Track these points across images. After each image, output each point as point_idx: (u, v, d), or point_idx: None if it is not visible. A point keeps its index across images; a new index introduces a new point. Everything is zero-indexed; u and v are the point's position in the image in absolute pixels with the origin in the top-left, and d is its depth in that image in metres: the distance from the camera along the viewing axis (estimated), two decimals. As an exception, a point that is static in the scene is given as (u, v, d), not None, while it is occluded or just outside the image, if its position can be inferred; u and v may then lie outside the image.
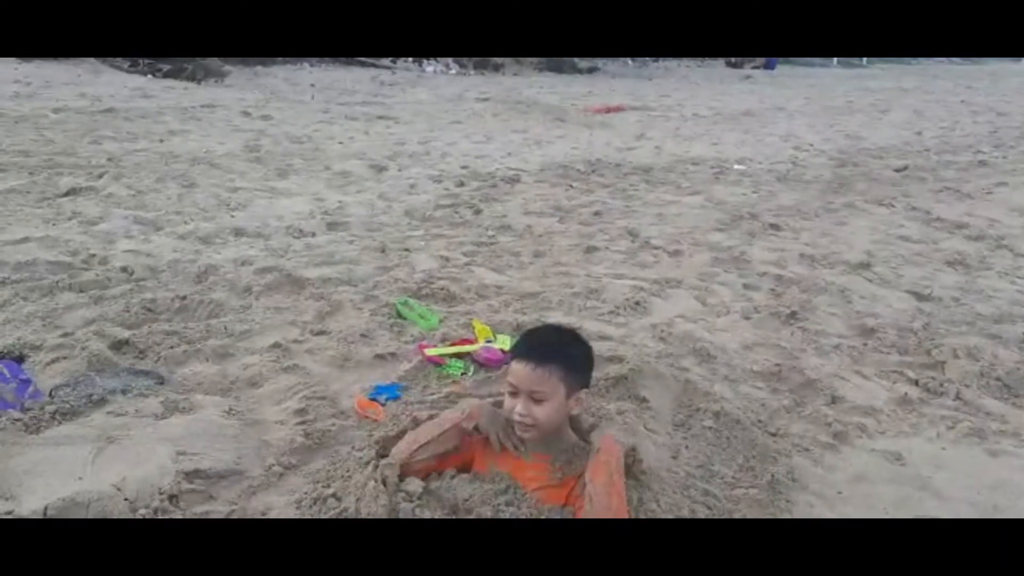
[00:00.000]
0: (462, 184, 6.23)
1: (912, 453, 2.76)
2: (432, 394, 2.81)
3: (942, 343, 3.64)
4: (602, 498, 1.90)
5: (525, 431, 2.04)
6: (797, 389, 3.13)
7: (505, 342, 3.16)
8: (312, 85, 12.36)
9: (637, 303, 3.85)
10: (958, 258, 4.96)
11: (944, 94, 15.12)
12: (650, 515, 2.05)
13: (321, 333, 3.26)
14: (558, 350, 2.05)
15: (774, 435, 2.74)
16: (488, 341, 3.16)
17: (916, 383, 3.29)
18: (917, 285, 4.42)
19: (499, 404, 2.17)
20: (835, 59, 25.04)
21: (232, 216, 4.90)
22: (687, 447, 2.51)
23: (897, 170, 7.57)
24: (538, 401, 2.00)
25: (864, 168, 7.62)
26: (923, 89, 16.26)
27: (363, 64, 15.94)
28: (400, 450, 2.12)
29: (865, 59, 25.71)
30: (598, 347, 3.22)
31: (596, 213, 5.56)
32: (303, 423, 2.56)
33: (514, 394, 2.02)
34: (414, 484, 2.08)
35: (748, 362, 3.32)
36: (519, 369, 2.01)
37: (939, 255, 5.03)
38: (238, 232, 4.56)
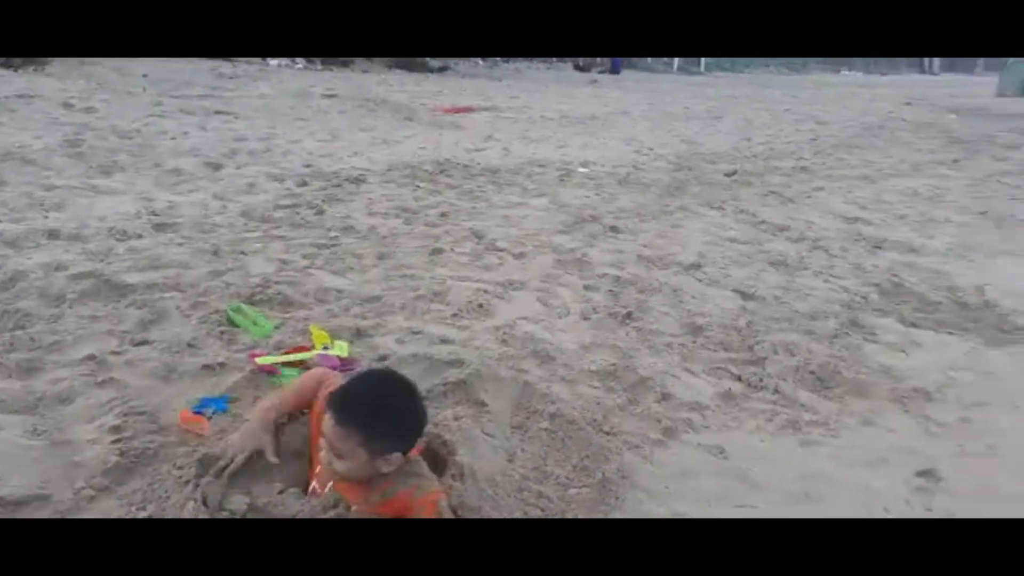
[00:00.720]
0: (305, 184, 6.05)
1: (734, 446, 2.91)
2: (264, 405, 2.70)
3: (763, 340, 3.86)
4: None
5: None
6: (631, 387, 3.24)
7: (343, 348, 3.09)
8: (144, 76, 11.64)
9: (480, 305, 3.86)
10: (780, 259, 5.29)
11: (772, 103, 16.16)
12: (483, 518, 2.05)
13: (143, 343, 3.06)
14: (368, 413, 1.92)
15: (608, 433, 2.82)
16: (325, 348, 3.08)
17: (739, 379, 3.48)
18: (743, 284, 4.67)
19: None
20: (676, 65, 26.21)
21: (46, 217, 4.52)
22: (523, 450, 2.53)
23: (728, 175, 8.00)
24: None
25: (698, 172, 8.01)
26: (753, 98, 17.30)
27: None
28: None
29: (703, 66, 27.04)
30: (439, 351, 3.21)
31: (443, 214, 5.55)
32: (119, 441, 2.39)
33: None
34: (237, 502, 1.99)
35: (586, 362, 3.40)
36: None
37: (763, 256, 5.34)
38: (52, 234, 4.21)
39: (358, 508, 1.98)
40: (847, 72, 32.61)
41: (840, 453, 2.98)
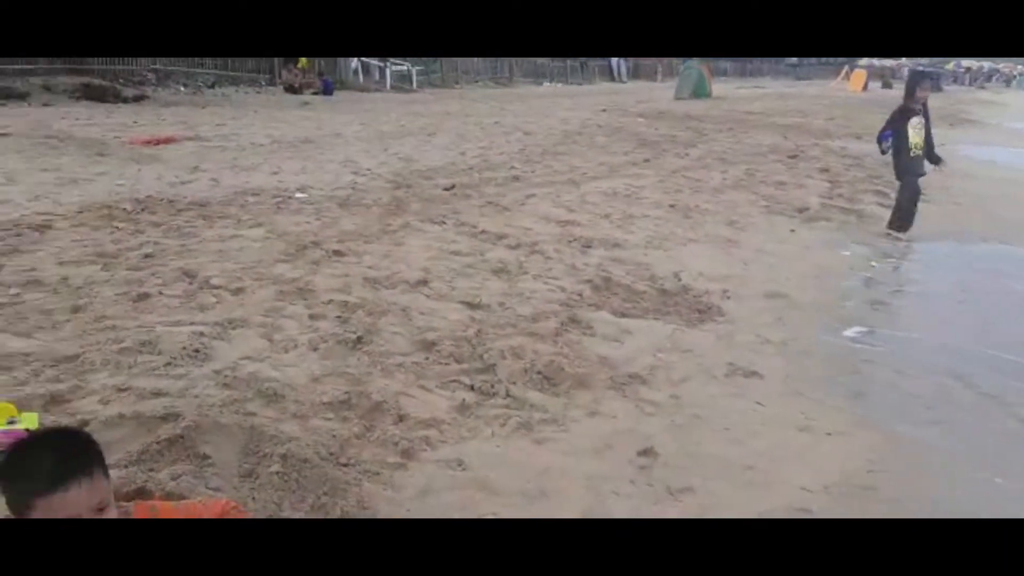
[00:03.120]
0: (-25, 237, 5.29)
1: (471, 456, 2.97)
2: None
3: (492, 347, 3.99)
4: None
5: None
6: (366, 414, 3.19)
7: (32, 420, 2.72)
8: None
9: (197, 350, 3.59)
10: (501, 266, 5.49)
11: (481, 117, 16.81)
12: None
13: None
14: (83, 453, 1.75)
15: (345, 465, 2.75)
16: (10, 422, 2.69)
17: (472, 388, 3.56)
18: (468, 295, 4.79)
19: None
20: (388, 83, 26.48)
21: None
22: (254, 498, 2.39)
23: (446, 189, 8.20)
24: (102, 509, 1.74)
25: (417, 189, 8.12)
26: (464, 113, 17.90)
27: None
28: None
29: (415, 83, 27.56)
30: (152, 405, 2.95)
31: (147, 256, 5.11)
32: None
33: None
34: None
35: (317, 394, 3.29)
36: (67, 498, 1.65)
37: (485, 265, 5.52)
38: None
39: None
40: (548, 83, 34.85)
41: (570, 447, 3.16)
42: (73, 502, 1.70)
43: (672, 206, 7.95)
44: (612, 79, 39.10)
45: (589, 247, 6.22)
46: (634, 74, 41.59)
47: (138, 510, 1.96)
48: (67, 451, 1.78)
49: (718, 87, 29.67)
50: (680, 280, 5.49)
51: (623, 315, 4.73)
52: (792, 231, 7.37)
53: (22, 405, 2.86)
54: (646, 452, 3.13)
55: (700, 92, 26.56)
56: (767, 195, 8.90)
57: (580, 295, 5.01)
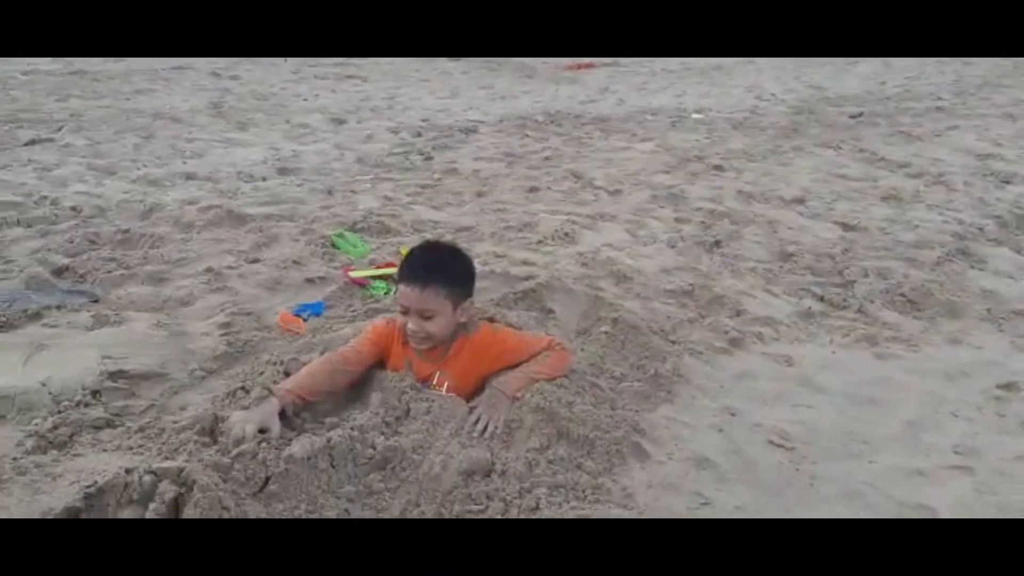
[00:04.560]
0: (419, 135, 6.37)
1: (803, 357, 2.94)
2: (354, 311, 2.99)
3: (856, 265, 3.81)
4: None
5: (420, 343, 2.22)
6: (705, 305, 3.31)
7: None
8: (286, 48, 12.37)
9: (567, 234, 4.01)
10: (893, 193, 5.11)
11: (918, 47, 15.16)
12: (534, 406, 2.20)
13: (255, 261, 3.44)
14: (439, 268, 2.18)
15: (672, 342, 2.92)
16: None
17: (822, 299, 3.47)
18: (846, 217, 4.58)
19: None
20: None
21: (185, 163, 5.05)
22: (583, 349, 2.68)
23: (853, 116, 7.70)
24: (427, 318, 2.16)
25: (820, 115, 7.75)
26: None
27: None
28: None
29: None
30: (519, 271, 3.41)
31: (546, 158, 5.71)
32: (227, 335, 2.74)
33: (405, 312, 2.18)
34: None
35: (664, 283, 3.49)
36: (407, 292, 2.14)
37: (875, 191, 5.18)
38: (189, 177, 4.72)
39: (451, 372, 2.26)
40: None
41: (917, 366, 2.95)
42: (408, 297, 2.15)
43: None
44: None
45: (1008, 183, 5.46)
46: None
47: (483, 327, 2.37)
48: (433, 260, 2.24)
49: None
50: (1122, 228, 4.61)
51: (1029, 254, 4.16)
52: None
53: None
54: (1008, 386, 2.81)
55: None
56: None
57: (981, 229, 4.49)
